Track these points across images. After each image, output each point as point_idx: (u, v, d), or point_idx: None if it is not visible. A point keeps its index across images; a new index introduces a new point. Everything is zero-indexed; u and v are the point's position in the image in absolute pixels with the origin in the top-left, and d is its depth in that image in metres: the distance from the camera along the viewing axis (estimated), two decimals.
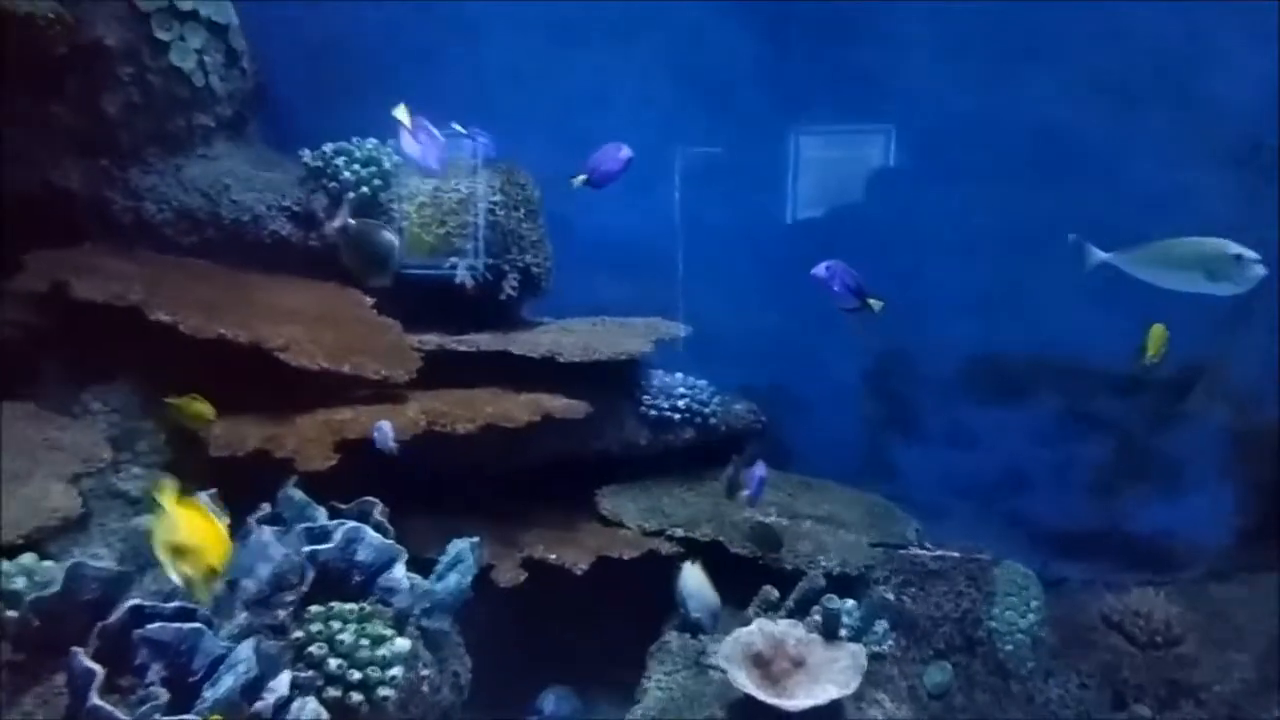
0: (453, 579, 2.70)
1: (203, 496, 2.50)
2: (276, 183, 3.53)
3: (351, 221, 2.26)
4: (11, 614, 2.20)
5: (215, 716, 2.03)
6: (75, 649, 2.04)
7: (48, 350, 3.01)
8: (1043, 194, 3.96)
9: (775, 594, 3.19)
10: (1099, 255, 2.97)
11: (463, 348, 3.47)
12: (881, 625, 3.21)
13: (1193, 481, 3.96)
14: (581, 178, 3.18)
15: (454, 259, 3.61)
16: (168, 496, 2.03)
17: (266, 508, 2.63)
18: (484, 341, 3.52)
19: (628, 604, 3.25)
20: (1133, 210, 3.87)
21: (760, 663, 2.96)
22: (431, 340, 3.42)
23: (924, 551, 3.43)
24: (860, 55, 4.06)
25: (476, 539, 2.79)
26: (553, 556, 3.21)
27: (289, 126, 3.84)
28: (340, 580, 2.51)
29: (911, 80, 4.02)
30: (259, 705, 2.13)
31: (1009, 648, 3.34)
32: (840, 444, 4.22)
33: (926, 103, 4.00)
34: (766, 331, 4.17)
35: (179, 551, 2.00)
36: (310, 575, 2.43)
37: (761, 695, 2.81)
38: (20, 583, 2.26)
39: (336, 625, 2.38)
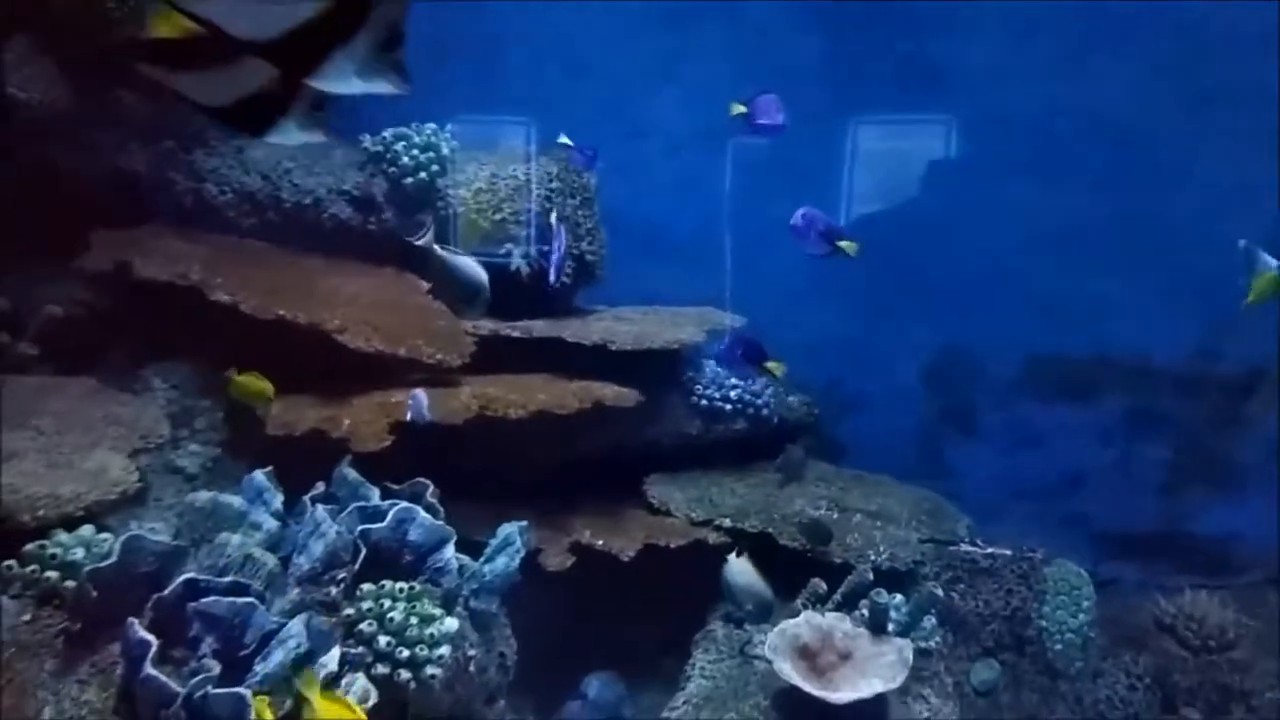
0: (501, 561, 2.72)
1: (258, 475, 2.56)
2: (337, 167, 3.58)
3: (436, 248, 2.28)
4: (69, 584, 2.25)
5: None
6: (131, 620, 2.08)
7: (110, 328, 3.07)
8: (1107, 191, 3.89)
9: (823, 587, 3.18)
10: (1271, 264, 2.68)
11: (516, 334, 3.49)
12: (929, 621, 3.18)
13: (1253, 485, 3.87)
14: (741, 109, 3.14)
15: (509, 246, 3.63)
16: (312, 690, 2.05)
17: (321, 487, 2.66)
18: (537, 328, 3.54)
19: (674, 592, 3.26)
20: (1199, 207, 3.80)
21: (806, 654, 2.94)
22: (485, 326, 3.44)
23: (975, 548, 3.39)
24: (923, 47, 4.01)
25: (525, 523, 2.80)
26: (600, 543, 3.22)
27: (350, 111, 3.88)
28: (391, 559, 2.53)
29: (975, 74, 3.96)
30: None
31: (1058, 647, 3.29)
32: (896, 440, 4.18)
33: (990, 96, 3.94)
34: (824, 324, 4.15)
35: None
36: (362, 554, 2.45)
37: (807, 687, 2.80)
38: (79, 554, 2.31)
39: (387, 603, 2.41)
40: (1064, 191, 3.91)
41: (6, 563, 2.27)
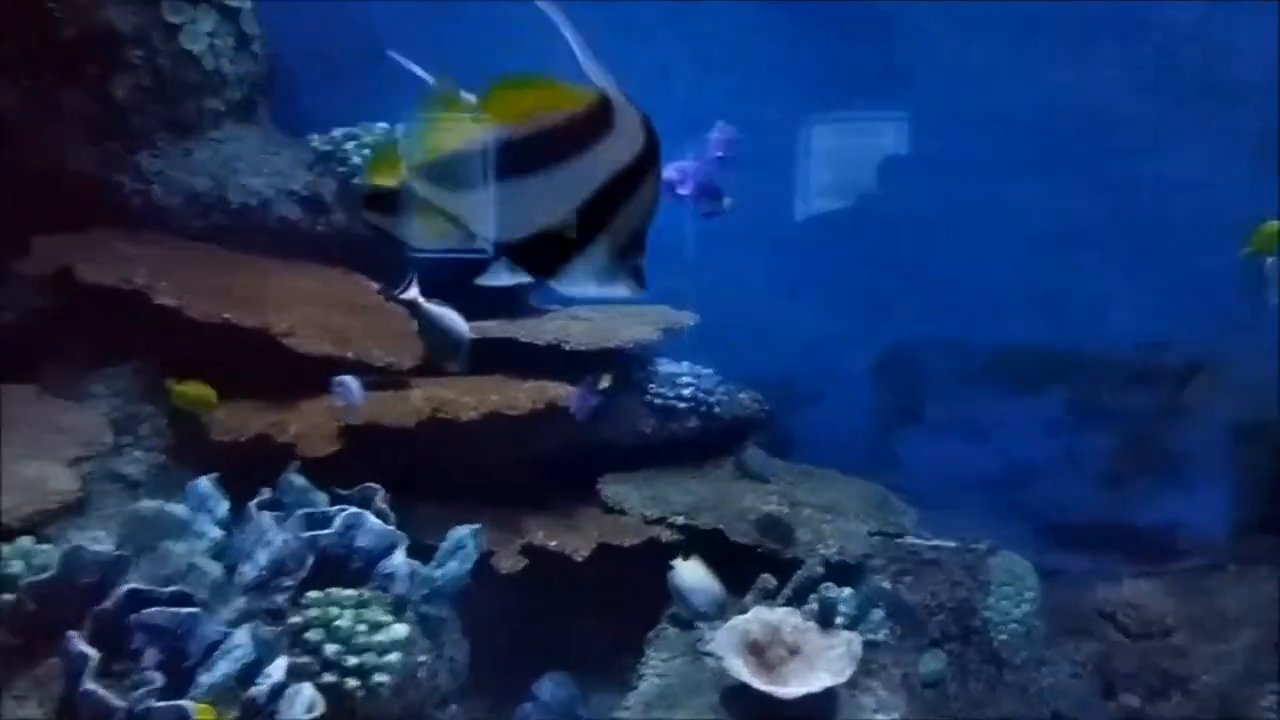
0: (452, 565, 2.73)
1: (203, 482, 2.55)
2: (285, 167, 3.56)
3: (423, 302, 2.32)
4: (8, 597, 2.23)
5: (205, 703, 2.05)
6: (70, 633, 2.08)
7: (53, 334, 3.04)
8: (1055, 185, 3.94)
9: (773, 582, 3.21)
10: None
11: (471, 334, 3.48)
12: (877, 614, 3.23)
13: (1194, 475, 3.95)
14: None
15: (463, 245, 3.62)
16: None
17: (267, 493, 2.66)
18: (490, 328, 3.53)
19: (629, 591, 3.28)
20: (1149, 202, 3.86)
21: (756, 650, 2.97)
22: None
23: (921, 541, 3.44)
24: (876, 44, 4.04)
25: (477, 526, 2.81)
26: (553, 544, 3.23)
27: (299, 110, 3.86)
28: (339, 566, 2.54)
29: (928, 69, 4.00)
30: (254, 690, 2.16)
31: (1003, 637, 3.35)
32: (846, 434, 4.22)
33: (942, 92, 3.98)
34: (777, 321, 4.17)
35: None
36: (309, 561, 2.46)
37: (756, 683, 2.83)
38: (17, 566, 2.29)
39: (334, 611, 2.41)
40: (1015, 189, 3.96)
41: None
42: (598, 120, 1.07)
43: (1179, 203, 3.85)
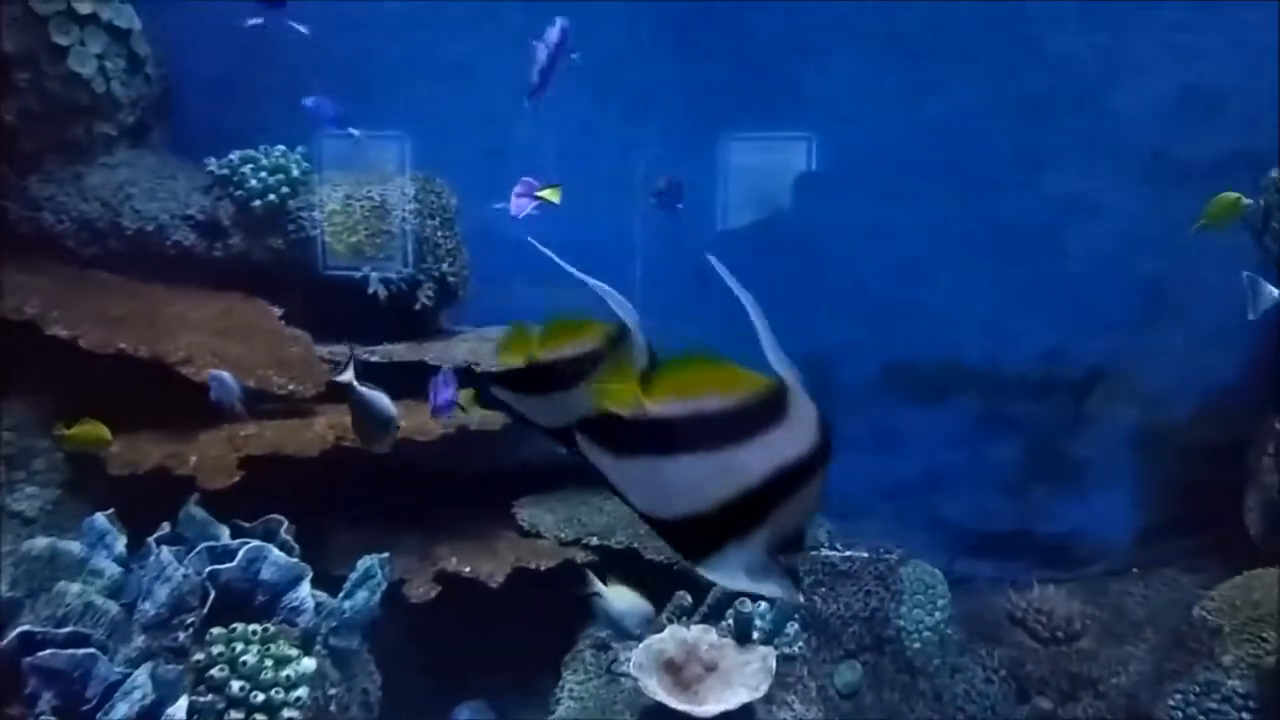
0: (361, 596, 2.69)
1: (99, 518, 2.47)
2: (181, 191, 3.47)
3: (357, 385, 2.31)
4: None
5: None
6: None
7: None
8: (953, 202, 4.02)
9: (688, 599, 3.21)
10: (1274, 293, 2.73)
11: (375, 358, 3.43)
12: (793, 627, 3.25)
13: (1098, 481, 4.06)
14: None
15: (366, 268, 3.58)
16: None
17: (167, 527, 2.58)
18: (398, 352, 3.49)
19: (546, 613, 3.26)
20: (1043, 217, 3.97)
21: (672, 669, 2.97)
22: (342, 352, 3.38)
23: (834, 552, 3.48)
24: (781, 64, 4.10)
25: (386, 554, 2.77)
26: (467, 569, 3.19)
27: (195, 134, 3.77)
28: (243, 600, 2.47)
29: (824, 90, 4.06)
30: None
31: (916, 645, 3.40)
32: None
33: (842, 112, 4.05)
34: (690, 338, 4.18)
35: None
36: (211, 596, 2.39)
37: (673, 703, 2.83)
38: None
39: (239, 646, 2.35)
40: (913, 202, 4.04)
41: None
42: (771, 410, 1.06)
43: (1073, 218, 3.96)
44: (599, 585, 2.83)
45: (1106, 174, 3.95)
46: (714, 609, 3.20)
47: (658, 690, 2.85)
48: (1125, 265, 3.95)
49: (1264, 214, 3.43)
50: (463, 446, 3.25)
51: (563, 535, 3.43)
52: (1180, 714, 3.05)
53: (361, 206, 3.60)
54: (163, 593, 2.35)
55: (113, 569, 2.44)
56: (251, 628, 2.38)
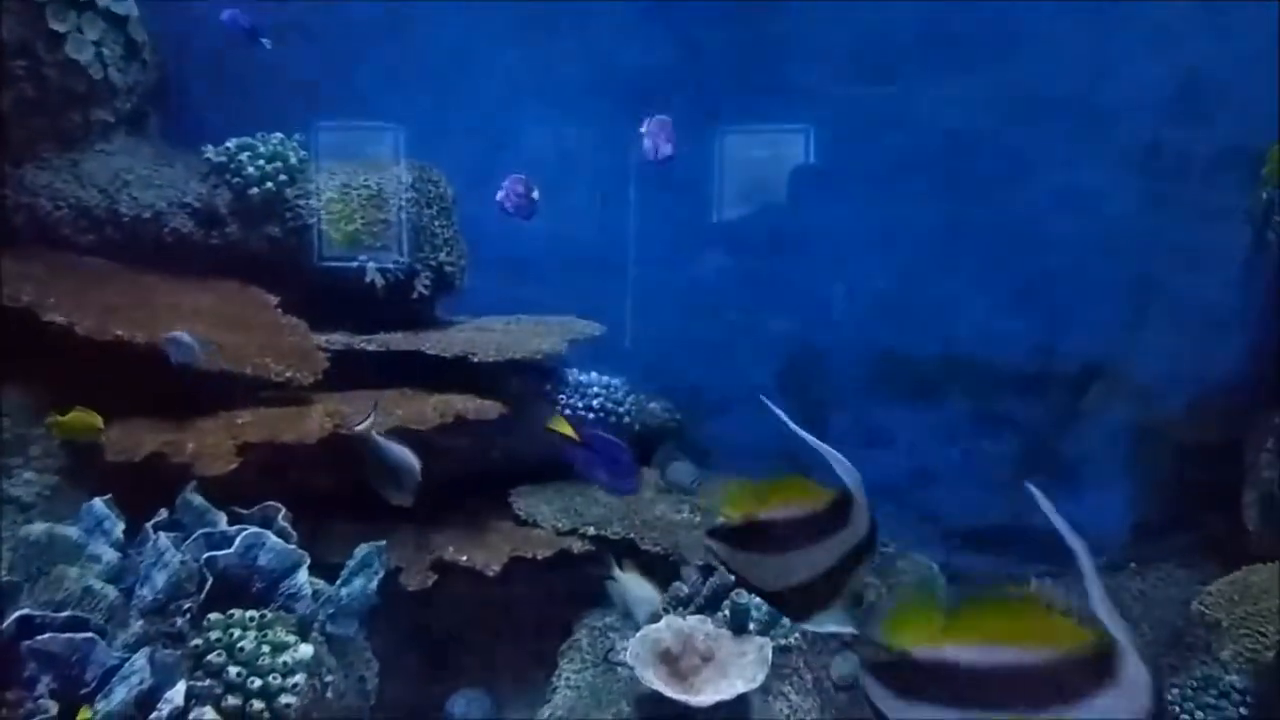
0: (358, 583, 2.68)
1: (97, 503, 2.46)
2: (178, 179, 3.46)
3: (375, 436, 2.31)
4: None
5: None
6: None
7: None
8: (949, 199, 4.03)
9: (685, 589, 3.21)
10: None
11: (372, 347, 3.43)
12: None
13: (1093, 477, 4.07)
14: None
15: (363, 257, 3.57)
16: None
17: (165, 513, 2.57)
18: (395, 341, 3.48)
19: (542, 603, 3.26)
20: (1038, 212, 3.98)
21: (669, 659, 2.97)
22: (339, 340, 3.38)
23: None
24: (773, 59, 4.10)
25: (383, 542, 2.77)
26: (464, 558, 3.19)
27: (193, 121, 3.76)
28: (241, 587, 2.47)
29: (821, 83, 4.07)
30: (153, 717, 2.09)
31: None
32: (755, 442, 4.24)
33: (839, 106, 4.05)
34: (684, 330, 4.20)
35: None
36: (209, 582, 2.38)
37: (669, 692, 2.83)
38: None
39: (236, 632, 2.34)
40: (909, 198, 4.05)
41: None
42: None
43: (1068, 214, 3.97)
44: (616, 570, 2.84)
45: (1101, 169, 3.96)
46: (710, 600, 3.21)
47: (654, 680, 2.85)
48: (1120, 260, 3.96)
49: (1266, 207, 3.43)
50: (456, 436, 3.25)
51: (560, 525, 3.43)
52: (1178, 709, 3.06)
53: (359, 195, 3.59)
54: (160, 578, 2.34)
55: (110, 554, 2.43)
56: (249, 614, 2.38)
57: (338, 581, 2.66)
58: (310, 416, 3.00)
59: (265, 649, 2.33)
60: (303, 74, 3.82)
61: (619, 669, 3.05)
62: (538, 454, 3.68)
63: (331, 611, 2.59)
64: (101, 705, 2.08)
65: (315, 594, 2.54)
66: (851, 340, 4.17)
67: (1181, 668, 3.17)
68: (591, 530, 3.41)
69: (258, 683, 2.28)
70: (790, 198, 4.13)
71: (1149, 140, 3.93)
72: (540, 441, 3.64)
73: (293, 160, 3.50)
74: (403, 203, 3.63)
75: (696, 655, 3.00)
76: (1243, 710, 2.99)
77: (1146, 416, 4.07)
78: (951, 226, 4.00)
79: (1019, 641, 1.02)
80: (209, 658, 2.28)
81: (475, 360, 3.40)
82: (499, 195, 3.44)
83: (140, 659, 2.15)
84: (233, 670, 2.27)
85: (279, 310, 3.32)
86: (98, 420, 2.68)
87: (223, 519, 2.60)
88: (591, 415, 3.76)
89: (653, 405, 4.00)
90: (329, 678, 2.54)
